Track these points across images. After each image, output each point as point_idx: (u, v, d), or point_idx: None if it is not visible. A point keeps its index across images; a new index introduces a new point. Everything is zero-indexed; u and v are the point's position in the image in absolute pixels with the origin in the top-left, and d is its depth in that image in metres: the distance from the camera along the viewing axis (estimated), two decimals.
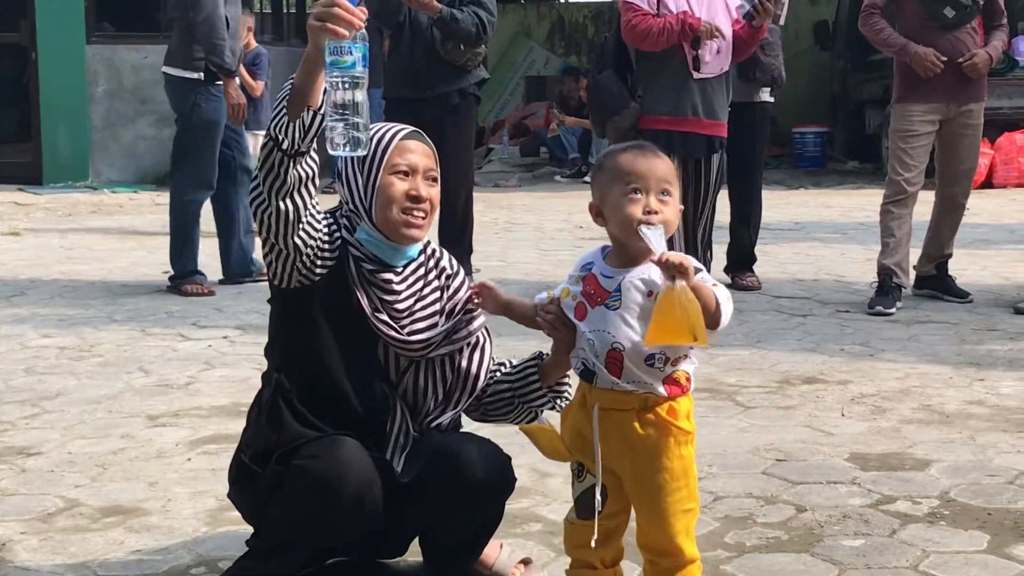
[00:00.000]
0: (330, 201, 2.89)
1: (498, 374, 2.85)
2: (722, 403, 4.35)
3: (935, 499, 3.35)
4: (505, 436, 3.82)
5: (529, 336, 5.66)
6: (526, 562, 2.90)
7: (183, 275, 6.79)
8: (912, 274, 6.44)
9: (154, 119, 13.25)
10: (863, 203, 10.85)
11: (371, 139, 2.67)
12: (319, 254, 2.64)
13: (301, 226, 2.58)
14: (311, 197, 2.60)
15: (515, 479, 2.77)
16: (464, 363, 2.80)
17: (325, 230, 2.66)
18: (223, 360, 5.14)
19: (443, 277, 2.79)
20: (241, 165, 7.05)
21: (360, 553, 2.88)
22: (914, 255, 6.41)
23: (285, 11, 16.33)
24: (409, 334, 2.68)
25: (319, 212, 2.66)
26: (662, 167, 2.49)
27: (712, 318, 2.38)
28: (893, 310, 6.02)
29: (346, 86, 2.40)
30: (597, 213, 2.55)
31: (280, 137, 2.50)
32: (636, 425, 2.45)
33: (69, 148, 13.38)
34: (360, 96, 2.41)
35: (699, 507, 2.53)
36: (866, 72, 14.15)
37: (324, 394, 2.65)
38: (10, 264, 8.01)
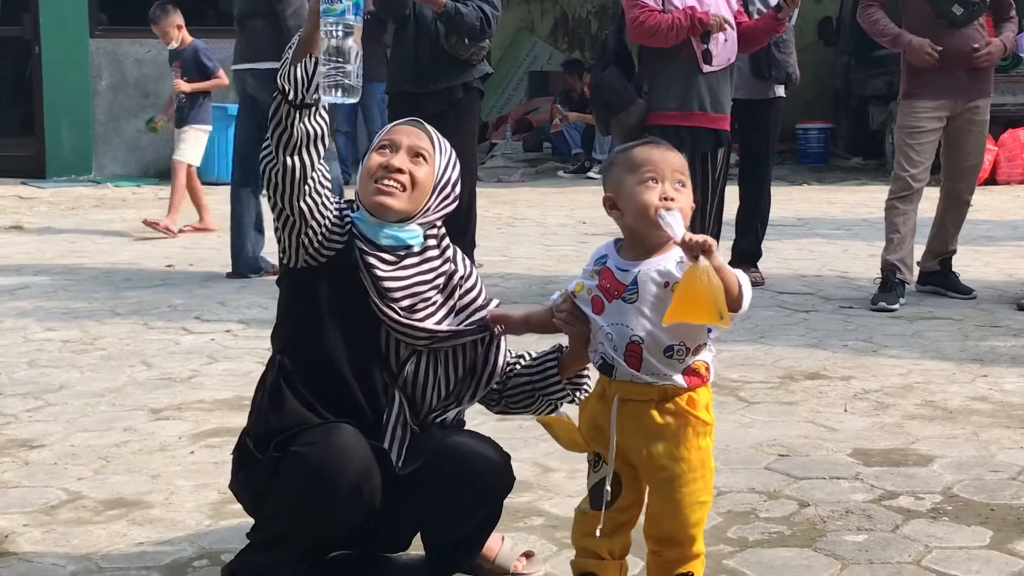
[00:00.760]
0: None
1: (518, 367, 2.85)
2: (725, 398, 4.35)
3: (938, 495, 3.35)
4: (507, 432, 3.84)
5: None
6: (528, 555, 2.90)
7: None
8: (916, 270, 6.43)
9: (157, 113, 13.22)
10: (866, 199, 10.84)
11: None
12: (327, 234, 2.66)
13: (308, 188, 2.62)
14: (319, 158, 2.64)
15: (514, 477, 2.77)
16: (477, 359, 2.80)
17: (335, 211, 2.69)
18: (226, 354, 5.14)
19: (452, 273, 2.78)
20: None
21: (362, 547, 2.88)
22: (918, 251, 6.40)
23: None
24: (411, 320, 2.69)
25: (331, 193, 2.70)
26: (676, 158, 2.54)
27: (735, 301, 2.40)
28: (897, 306, 6.01)
29: (337, 33, 2.48)
30: (612, 205, 2.56)
31: (286, 87, 2.58)
32: (655, 414, 2.46)
33: (72, 142, 13.39)
34: (350, 43, 2.49)
35: (711, 498, 2.53)
36: (870, 68, 14.13)
37: (324, 377, 2.66)
38: (13, 257, 8.01)
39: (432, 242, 2.78)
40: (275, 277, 2.80)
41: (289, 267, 2.72)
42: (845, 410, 4.23)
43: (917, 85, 6.16)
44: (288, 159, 2.61)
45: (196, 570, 2.90)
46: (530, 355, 2.88)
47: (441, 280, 2.76)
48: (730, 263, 7.42)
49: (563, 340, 2.75)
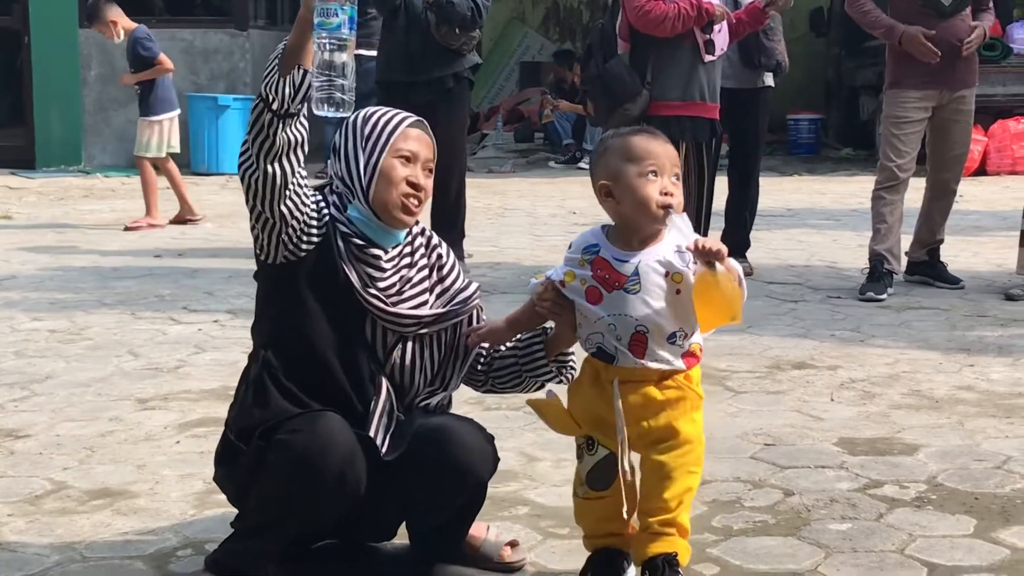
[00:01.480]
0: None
1: (503, 348, 2.86)
2: (712, 388, 4.35)
3: (922, 483, 3.36)
4: (494, 421, 3.83)
5: (518, 303, 5.70)
6: (513, 544, 2.90)
7: None
8: (904, 260, 6.44)
9: None
10: (856, 190, 10.84)
11: (378, 121, 2.71)
12: (306, 229, 2.65)
13: (288, 192, 2.61)
14: (299, 164, 2.62)
15: (498, 459, 2.77)
16: (459, 341, 2.81)
17: (313, 205, 2.67)
18: (213, 344, 5.13)
19: (433, 256, 2.80)
20: None
21: (347, 536, 2.88)
22: (906, 241, 6.41)
23: None
24: (398, 307, 2.69)
25: (308, 187, 2.68)
26: (673, 151, 2.58)
27: (739, 284, 2.48)
28: (884, 296, 6.02)
29: (332, 47, 2.47)
30: (607, 193, 2.56)
31: (271, 97, 2.55)
32: (655, 391, 2.53)
33: (62, 132, 13.35)
34: (345, 57, 2.48)
35: (701, 470, 2.61)
36: (860, 58, 14.13)
37: (309, 370, 2.65)
38: (1, 248, 7.99)
39: (416, 229, 2.80)
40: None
41: (267, 263, 2.71)
42: (831, 399, 4.24)
43: (903, 75, 6.16)
44: (269, 167, 2.59)
45: (180, 559, 2.89)
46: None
47: (424, 264, 2.77)
48: None
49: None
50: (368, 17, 8.02)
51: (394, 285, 2.70)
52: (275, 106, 2.55)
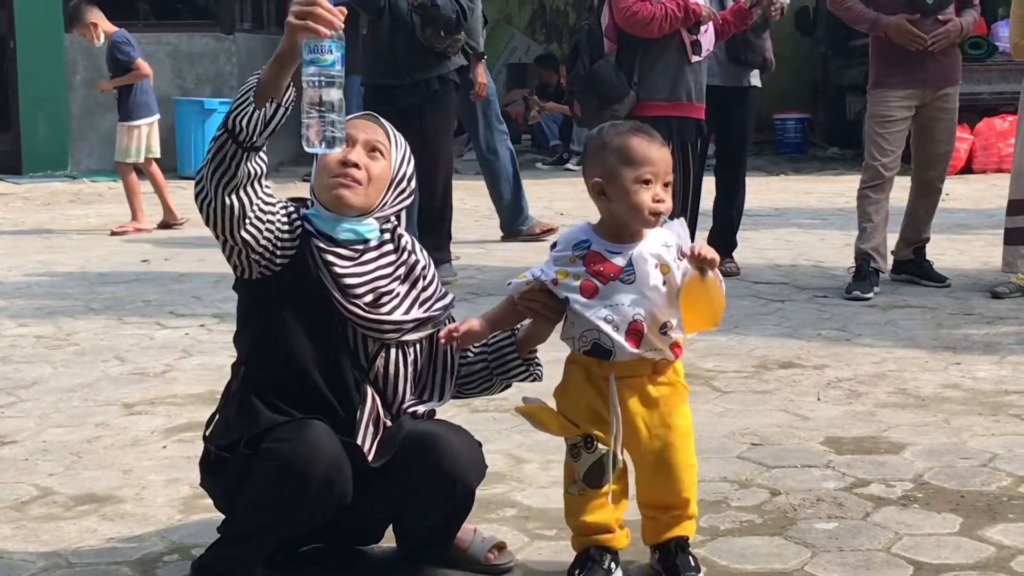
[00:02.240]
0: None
1: (469, 354, 2.86)
2: (699, 388, 4.35)
3: (909, 482, 3.37)
4: (481, 423, 3.84)
5: None
6: (500, 547, 2.90)
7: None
8: (890, 259, 6.45)
9: None
10: (843, 189, 10.85)
11: None
12: (277, 246, 2.63)
13: (248, 221, 2.58)
14: (256, 196, 2.58)
15: (486, 466, 2.78)
16: (437, 350, 2.81)
17: (282, 222, 2.64)
18: (200, 348, 5.12)
19: (406, 256, 2.78)
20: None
21: (334, 540, 2.87)
22: (892, 240, 6.42)
23: None
24: (377, 314, 2.68)
25: (275, 204, 2.65)
26: (668, 156, 2.63)
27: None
28: (870, 295, 6.03)
29: (324, 84, 2.42)
30: (600, 191, 2.59)
31: (238, 128, 2.49)
32: (650, 388, 2.62)
33: (48, 137, 13.32)
34: (337, 94, 2.44)
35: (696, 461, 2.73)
36: (847, 58, 14.15)
37: (293, 381, 2.65)
38: None
39: (387, 236, 2.78)
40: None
41: (244, 278, 2.69)
42: (818, 399, 4.25)
43: (886, 74, 6.17)
44: (227, 199, 2.55)
45: (166, 565, 2.89)
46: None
47: (402, 271, 2.76)
48: None
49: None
50: None
51: (370, 292, 2.69)
52: (241, 138, 2.50)
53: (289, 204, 2.72)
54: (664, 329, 2.59)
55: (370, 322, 2.67)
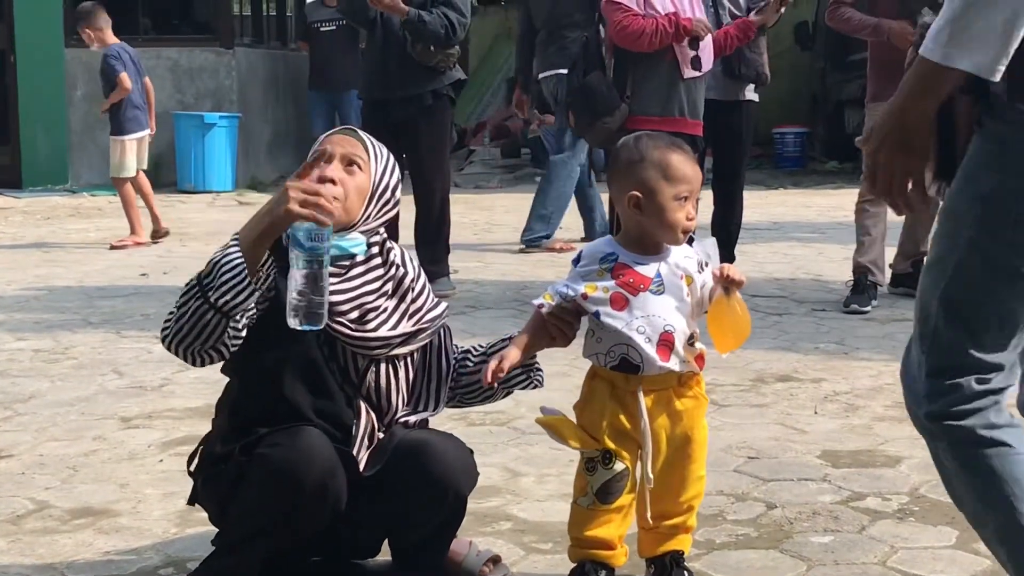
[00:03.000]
0: None
1: (468, 362, 2.87)
2: None
3: (905, 495, 3.37)
4: (477, 436, 3.84)
5: (503, 318, 5.66)
6: (495, 560, 2.90)
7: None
8: (888, 272, 6.46)
9: None
10: (842, 202, 10.85)
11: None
12: (257, 308, 2.58)
13: (229, 336, 2.55)
14: (228, 346, 2.56)
15: (478, 473, 2.78)
16: (429, 361, 2.81)
17: (259, 298, 2.58)
18: None
19: (393, 271, 2.76)
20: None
21: (329, 554, 2.87)
22: (890, 254, 6.42)
23: (265, 13, 16.31)
24: (363, 331, 2.67)
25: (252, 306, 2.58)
26: (700, 174, 2.67)
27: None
28: (868, 308, 6.04)
29: (316, 266, 2.43)
30: (636, 205, 2.60)
31: (218, 300, 2.46)
32: (676, 401, 2.64)
33: (48, 151, 13.33)
34: (326, 276, 2.45)
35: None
36: (845, 72, 14.17)
37: (283, 403, 2.63)
38: None
39: (375, 249, 2.76)
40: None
41: None
42: (815, 412, 4.25)
43: (884, 88, 6.17)
44: (191, 357, 2.57)
45: None
46: (477, 349, 2.90)
47: (389, 286, 2.75)
48: None
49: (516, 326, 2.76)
50: None
51: (355, 309, 2.68)
52: (219, 303, 2.47)
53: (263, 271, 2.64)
54: (691, 340, 2.63)
55: (356, 339, 2.65)
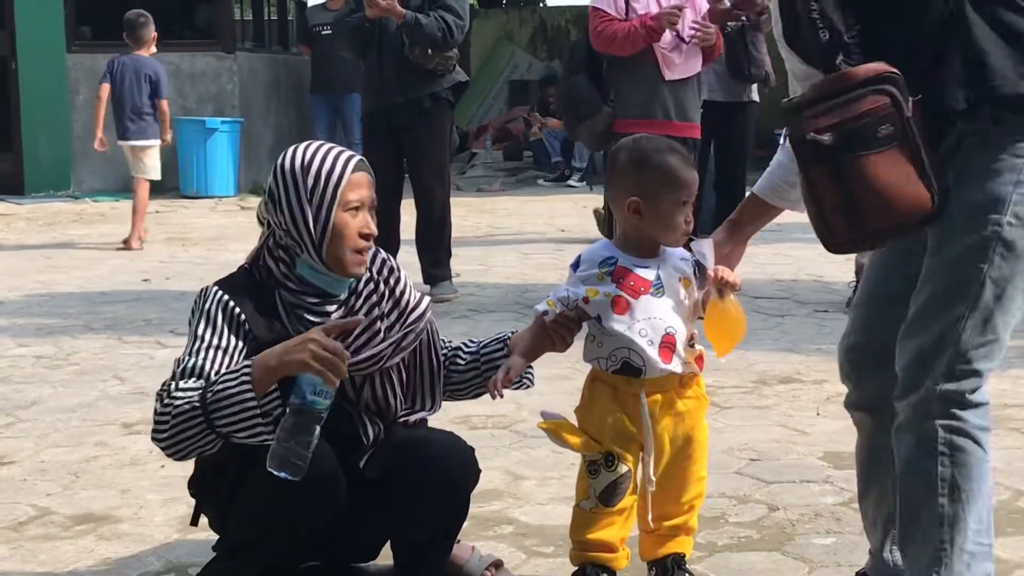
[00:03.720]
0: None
1: (459, 359, 2.87)
2: None
3: None
4: (479, 440, 3.82)
5: (505, 322, 5.67)
6: (497, 565, 2.89)
7: None
8: None
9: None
10: None
11: (320, 172, 2.60)
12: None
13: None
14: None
15: (480, 470, 2.78)
16: (420, 358, 2.80)
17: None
18: None
19: (394, 286, 2.75)
20: None
21: (330, 557, 2.87)
22: None
23: (266, 18, 16.33)
24: (355, 354, 2.62)
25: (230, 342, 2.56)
26: (696, 176, 2.66)
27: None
28: None
29: (312, 419, 2.40)
30: (635, 210, 2.58)
31: (225, 432, 2.43)
32: (678, 402, 2.63)
33: (50, 157, 13.34)
34: (316, 432, 2.42)
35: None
36: None
37: None
38: None
39: (372, 272, 2.72)
40: None
41: None
42: (817, 413, 4.24)
43: None
44: (186, 457, 2.54)
45: None
46: (468, 344, 2.90)
47: (388, 304, 2.73)
48: None
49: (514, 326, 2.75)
50: None
51: (355, 338, 2.65)
52: (226, 435, 2.44)
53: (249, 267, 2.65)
54: (691, 342, 2.63)
55: (351, 365, 2.58)
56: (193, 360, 2.54)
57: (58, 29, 13.23)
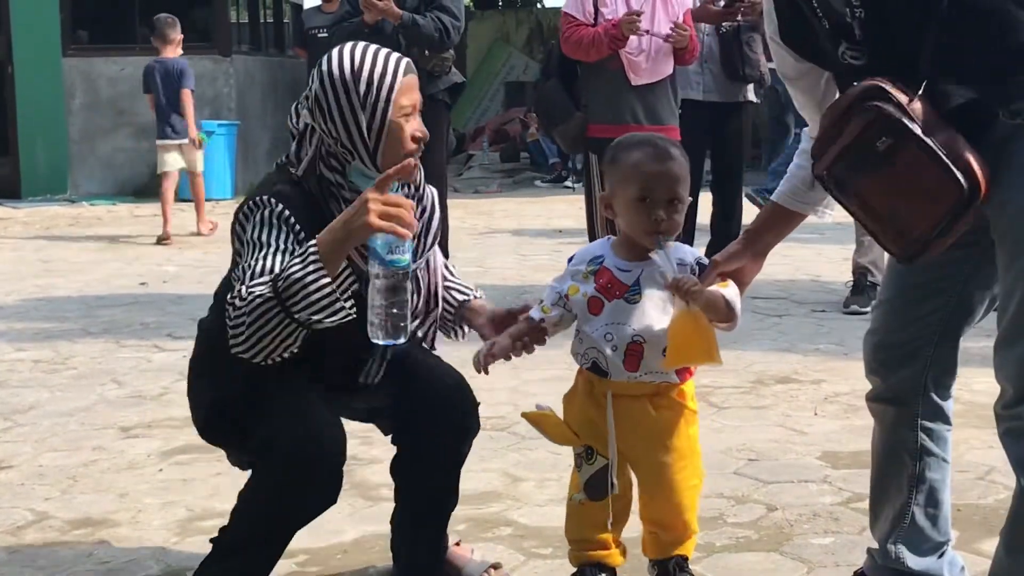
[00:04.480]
0: None
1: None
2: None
3: None
4: (478, 442, 3.80)
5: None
6: (496, 567, 2.90)
7: None
8: None
9: (132, 131, 13.22)
10: None
11: (372, 77, 2.53)
12: None
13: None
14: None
15: (477, 402, 2.80)
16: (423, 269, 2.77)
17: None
18: None
19: (419, 186, 2.71)
20: None
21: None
22: None
23: (262, 21, 16.32)
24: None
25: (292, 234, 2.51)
26: (673, 170, 2.50)
27: (727, 316, 2.47)
28: (868, 309, 6.02)
29: (399, 279, 2.37)
30: (607, 206, 2.58)
31: (306, 319, 2.35)
32: (649, 408, 2.54)
33: (47, 161, 13.34)
34: (409, 288, 2.39)
35: (702, 481, 2.64)
36: None
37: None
38: None
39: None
40: None
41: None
42: (815, 413, 4.24)
43: None
44: (269, 359, 2.44)
45: None
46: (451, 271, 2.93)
47: (418, 208, 2.67)
48: None
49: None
50: None
51: None
52: (306, 323, 2.36)
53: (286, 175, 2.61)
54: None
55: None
56: (259, 264, 2.44)
57: (54, 33, 13.23)
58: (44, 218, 11.71)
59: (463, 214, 10.64)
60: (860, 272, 6.19)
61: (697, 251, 2.60)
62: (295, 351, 2.43)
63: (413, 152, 2.57)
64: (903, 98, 2.13)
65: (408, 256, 2.37)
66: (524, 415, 2.67)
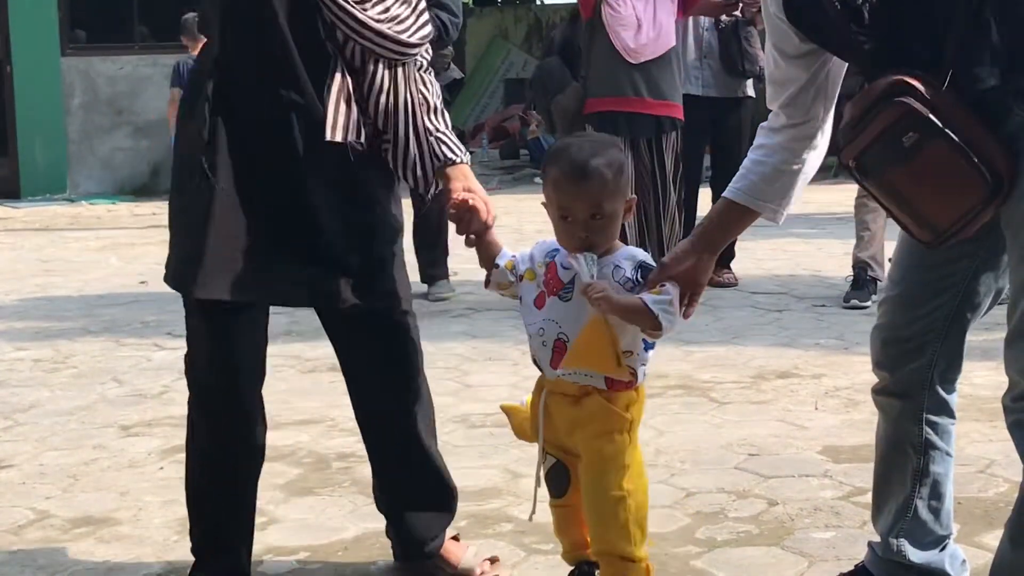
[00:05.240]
0: None
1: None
2: (696, 399, 4.35)
3: None
4: (478, 439, 3.83)
5: (503, 320, 5.67)
6: (493, 560, 2.90)
7: None
8: (887, 267, 6.44)
9: (131, 130, 13.22)
10: (841, 198, 10.84)
11: None
12: None
13: None
14: None
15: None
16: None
17: None
18: None
19: None
20: None
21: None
22: (889, 248, 6.40)
23: None
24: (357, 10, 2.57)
25: None
26: (591, 188, 2.40)
27: (652, 323, 2.37)
28: (868, 303, 6.03)
29: None
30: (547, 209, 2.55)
31: None
32: (574, 409, 2.46)
33: (46, 161, 13.34)
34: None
35: (646, 502, 2.45)
36: None
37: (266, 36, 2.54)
38: None
39: None
40: None
41: None
42: (816, 408, 4.24)
43: None
44: None
45: None
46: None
47: None
48: None
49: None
50: None
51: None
52: None
53: None
54: (625, 355, 2.40)
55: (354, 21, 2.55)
56: None
57: (52, 32, 13.22)
58: (43, 218, 11.71)
59: None
60: (860, 267, 6.18)
61: (645, 254, 2.50)
62: None
63: None
64: (930, 92, 2.12)
65: None
66: (501, 407, 2.67)
